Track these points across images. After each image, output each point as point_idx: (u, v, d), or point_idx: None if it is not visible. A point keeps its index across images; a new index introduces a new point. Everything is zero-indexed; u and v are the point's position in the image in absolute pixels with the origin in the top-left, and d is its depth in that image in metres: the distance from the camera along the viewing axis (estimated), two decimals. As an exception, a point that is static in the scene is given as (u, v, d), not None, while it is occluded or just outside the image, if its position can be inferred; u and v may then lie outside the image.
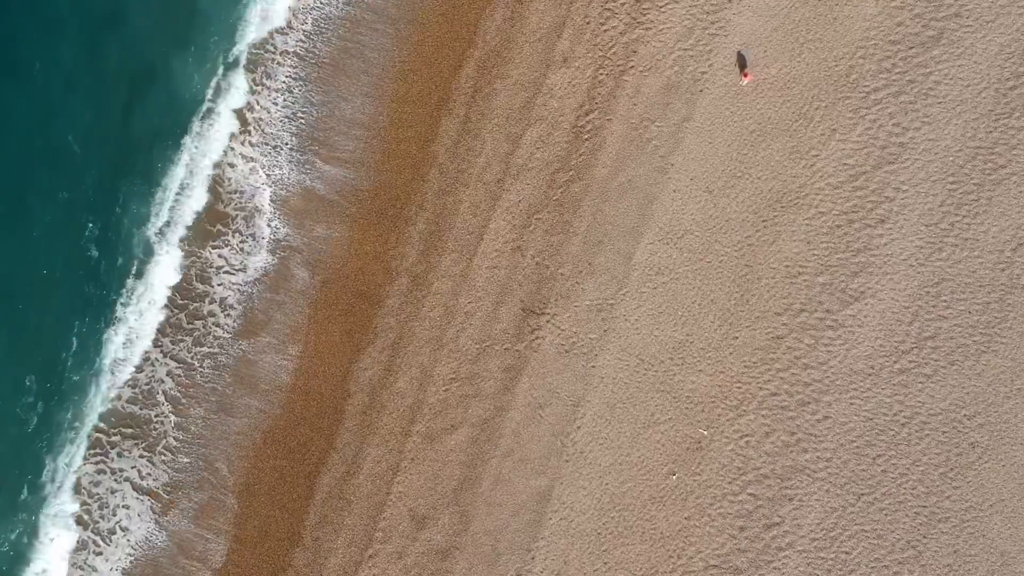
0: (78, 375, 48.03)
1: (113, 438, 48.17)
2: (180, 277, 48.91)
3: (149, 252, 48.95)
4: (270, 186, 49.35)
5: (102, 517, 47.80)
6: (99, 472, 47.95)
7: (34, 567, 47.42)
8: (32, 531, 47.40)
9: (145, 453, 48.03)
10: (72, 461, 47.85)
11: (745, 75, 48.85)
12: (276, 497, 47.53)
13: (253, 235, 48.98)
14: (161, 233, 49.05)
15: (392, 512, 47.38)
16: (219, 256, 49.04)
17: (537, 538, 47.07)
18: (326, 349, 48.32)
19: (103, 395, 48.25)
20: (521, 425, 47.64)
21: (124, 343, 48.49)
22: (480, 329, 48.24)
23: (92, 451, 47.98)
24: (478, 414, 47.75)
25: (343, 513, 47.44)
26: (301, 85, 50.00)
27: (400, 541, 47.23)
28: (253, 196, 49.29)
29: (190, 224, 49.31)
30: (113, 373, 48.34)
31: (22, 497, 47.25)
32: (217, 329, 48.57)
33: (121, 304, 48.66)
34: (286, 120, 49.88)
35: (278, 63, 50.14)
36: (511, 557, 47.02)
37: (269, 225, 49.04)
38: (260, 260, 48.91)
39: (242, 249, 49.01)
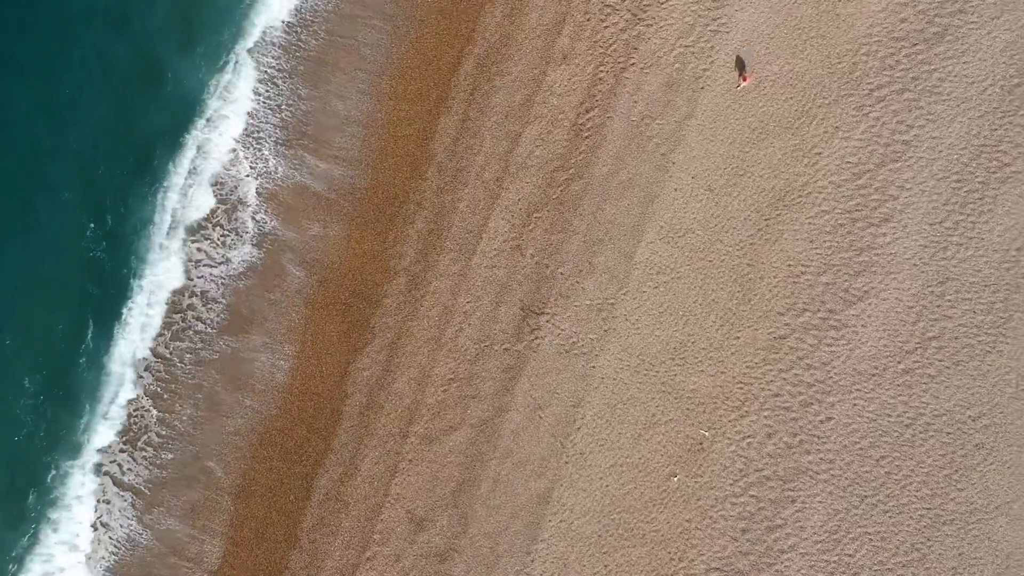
0: (85, 375, 47.66)
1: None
2: (185, 278, 48.45)
3: (151, 253, 48.61)
4: (255, 179, 48.92)
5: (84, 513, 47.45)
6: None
7: (42, 568, 47.07)
8: (38, 534, 47.03)
9: (125, 447, 47.58)
10: (83, 464, 47.44)
11: (744, 78, 48.63)
12: (273, 498, 47.16)
13: (236, 229, 48.52)
14: (164, 234, 48.72)
15: (390, 514, 47.08)
16: (198, 249, 48.56)
17: (536, 540, 46.78)
18: (323, 349, 47.97)
19: (110, 397, 47.85)
20: (520, 426, 47.36)
21: (129, 345, 48.12)
22: (479, 329, 47.94)
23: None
24: (477, 415, 47.46)
25: (340, 515, 47.10)
26: (285, 77, 49.59)
27: (398, 543, 46.92)
28: (236, 188, 48.87)
29: (191, 224, 48.94)
30: (124, 375, 47.92)
31: (29, 500, 46.95)
32: (198, 324, 48.08)
33: (126, 308, 48.34)
34: (269, 112, 49.48)
35: (261, 53, 49.78)
36: (510, 560, 46.72)
37: (254, 218, 48.57)
38: (244, 254, 48.44)
39: (224, 243, 48.54)
